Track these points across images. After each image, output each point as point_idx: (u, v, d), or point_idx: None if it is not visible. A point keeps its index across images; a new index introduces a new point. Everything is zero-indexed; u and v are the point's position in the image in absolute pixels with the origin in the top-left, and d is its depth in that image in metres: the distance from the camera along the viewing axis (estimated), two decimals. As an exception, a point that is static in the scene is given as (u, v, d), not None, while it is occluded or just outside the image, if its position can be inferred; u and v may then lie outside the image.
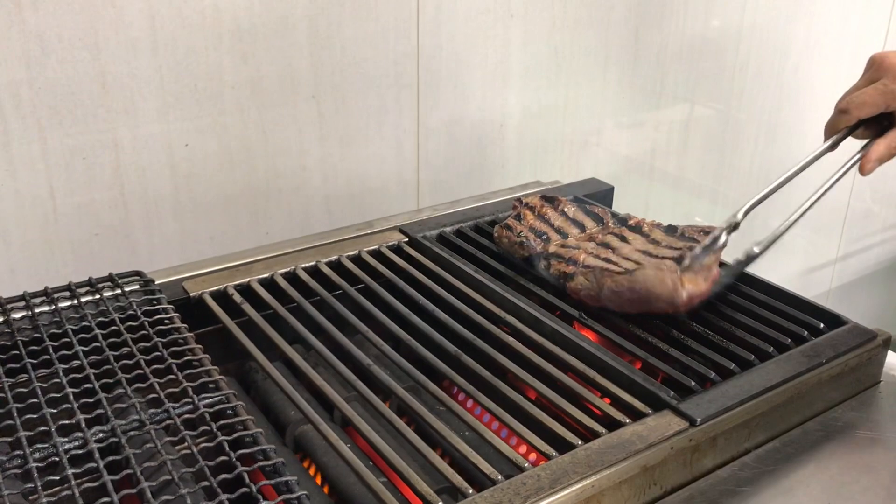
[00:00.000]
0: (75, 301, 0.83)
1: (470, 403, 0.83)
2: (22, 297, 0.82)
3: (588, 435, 0.71)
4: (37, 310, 0.81)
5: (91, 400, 0.69)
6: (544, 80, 1.44)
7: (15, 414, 0.66)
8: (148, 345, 0.76)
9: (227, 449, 0.63)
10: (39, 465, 0.61)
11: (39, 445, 0.64)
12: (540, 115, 1.46)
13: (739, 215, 0.86)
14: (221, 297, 0.91)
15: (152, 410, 0.68)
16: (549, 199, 1.06)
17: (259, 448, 0.64)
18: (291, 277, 0.96)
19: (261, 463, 0.63)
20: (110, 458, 0.62)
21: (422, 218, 1.11)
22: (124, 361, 0.73)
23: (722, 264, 0.91)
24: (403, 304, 0.91)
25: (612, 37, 1.50)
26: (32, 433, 0.64)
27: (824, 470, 0.74)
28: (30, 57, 0.96)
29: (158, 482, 0.60)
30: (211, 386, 0.71)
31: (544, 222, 1.01)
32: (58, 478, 0.60)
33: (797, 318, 0.88)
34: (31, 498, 0.59)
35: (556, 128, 1.50)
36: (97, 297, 0.84)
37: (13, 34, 0.95)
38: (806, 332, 0.85)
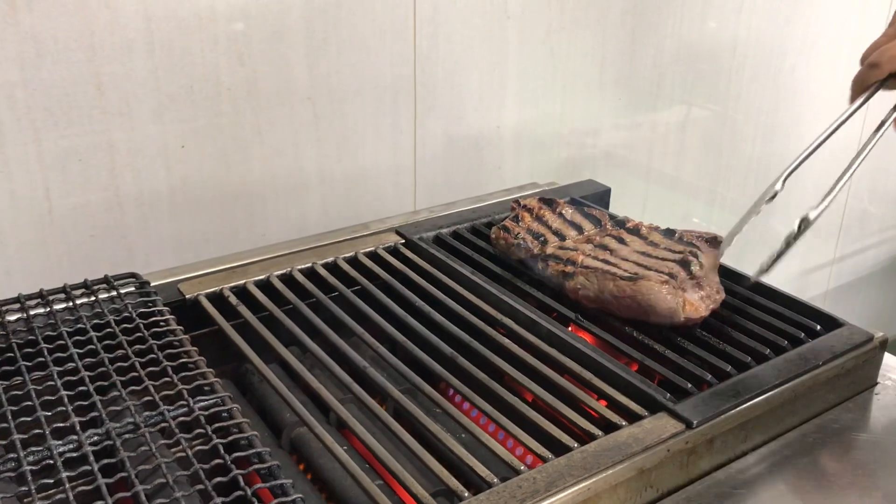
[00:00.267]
0: (70, 303, 0.83)
1: (466, 406, 0.83)
2: (17, 299, 0.82)
3: (584, 437, 0.71)
4: (32, 312, 0.81)
5: (86, 402, 0.68)
6: (541, 81, 1.44)
7: (9, 416, 0.66)
8: (143, 347, 0.76)
9: (223, 452, 0.63)
10: (33, 468, 0.61)
11: (34, 448, 0.63)
12: (537, 116, 1.46)
13: (778, 185, 0.82)
14: (217, 298, 0.91)
15: (147, 413, 0.68)
16: (547, 200, 1.06)
17: (254, 451, 0.64)
18: (287, 279, 0.95)
19: (256, 466, 0.63)
20: (105, 461, 0.62)
21: (418, 219, 1.11)
22: (119, 364, 0.73)
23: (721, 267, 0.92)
24: (400, 305, 0.91)
25: (609, 38, 1.50)
26: (27, 436, 0.64)
27: (821, 472, 0.74)
28: (24, 58, 0.96)
29: (153, 485, 0.60)
30: (206, 388, 0.71)
31: (542, 224, 1.01)
32: (52, 481, 0.60)
33: (793, 319, 0.88)
34: (25, 501, 0.59)
35: (553, 129, 1.50)
36: (92, 298, 0.84)
37: (8, 35, 0.94)
38: (802, 334, 0.85)
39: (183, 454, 0.63)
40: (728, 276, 0.95)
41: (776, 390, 0.76)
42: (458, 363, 0.81)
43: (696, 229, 0.97)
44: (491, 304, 0.92)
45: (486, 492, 0.64)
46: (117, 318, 0.80)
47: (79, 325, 0.79)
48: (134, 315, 0.81)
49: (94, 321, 0.80)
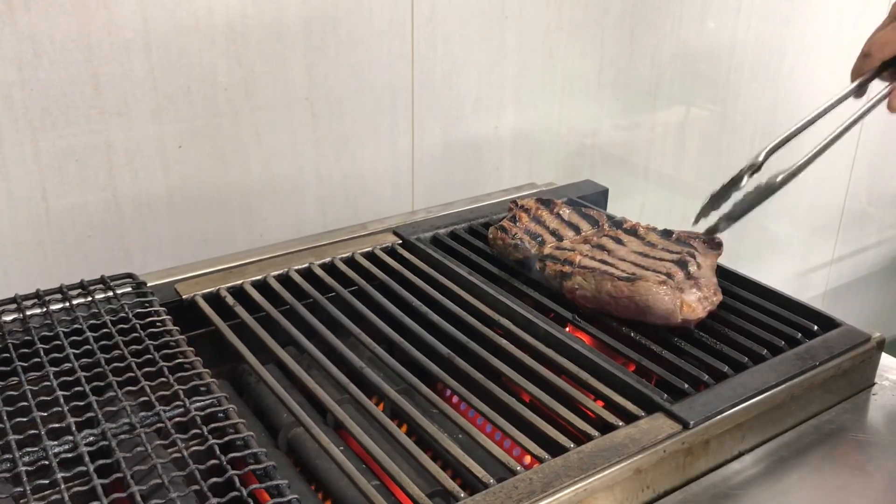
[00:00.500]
0: (67, 303, 0.83)
1: (463, 406, 0.83)
2: (13, 300, 0.82)
3: (581, 438, 0.71)
4: (28, 312, 0.81)
5: (81, 403, 0.68)
6: (539, 81, 1.44)
7: (4, 417, 0.66)
8: (139, 347, 0.76)
9: (218, 452, 0.63)
10: (29, 468, 0.61)
11: (29, 449, 0.63)
12: (535, 116, 1.46)
13: (761, 157, 0.83)
14: (214, 299, 0.91)
15: (143, 414, 0.68)
16: (545, 201, 1.06)
17: (250, 451, 0.64)
18: (284, 279, 0.95)
19: (252, 466, 0.63)
20: (101, 461, 0.62)
21: (416, 220, 1.11)
22: (115, 364, 0.73)
23: (719, 268, 0.92)
24: (397, 306, 0.91)
25: (608, 38, 1.50)
26: (22, 437, 0.64)
27: (818, 473, 0.74)
28: (22, 59, 0.96)
29: (149, 486, 0.60)
30: (202, 389, 0.71)
31: (539, 224, 1.01)
32: (48, 481, 0.60)
33: (791, 320, 0.88)
34: (20, 502, 0.59)
35: (551, 130, 1.50)
36: (89, 299, 0.84)
37: (5, 36, 0.94)
38: (800, 335, 0.85)
39: (179, 455, 0.63)
40: (725, 275, 0.95)
41: (773, 391, 0.76)
42: (455, 364, 0.81)
43: (694, 230, 0.97)
44: (488, 304, 0.92)
45: (483, 492, 0.64)
46: (114, 319, 0.80)
47: (75, 326, 0.79)
48: (130, 315, 0.81)
49: (91, 322, 0.80)
